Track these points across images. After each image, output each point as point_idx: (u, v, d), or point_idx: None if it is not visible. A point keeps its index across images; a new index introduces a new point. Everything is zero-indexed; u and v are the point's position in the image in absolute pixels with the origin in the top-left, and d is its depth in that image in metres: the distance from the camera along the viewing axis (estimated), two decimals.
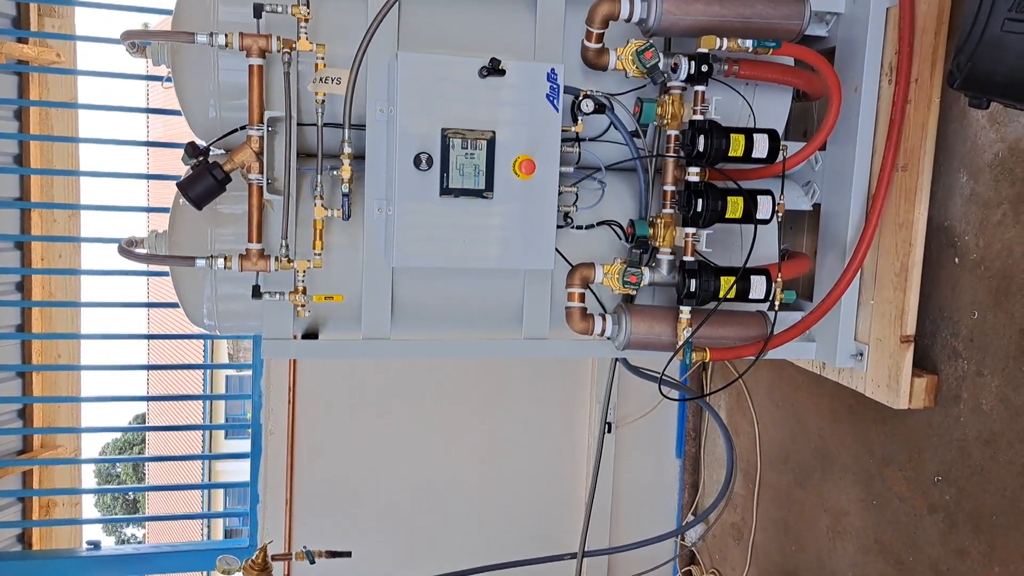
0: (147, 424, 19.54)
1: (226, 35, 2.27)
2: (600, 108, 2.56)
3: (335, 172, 2.43)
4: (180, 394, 16.67)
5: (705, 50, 2.47)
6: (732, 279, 2.50)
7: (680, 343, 2.55)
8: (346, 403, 4.20)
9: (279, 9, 2.30)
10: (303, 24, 2.33)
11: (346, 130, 2.39)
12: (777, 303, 2.59)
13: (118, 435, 21.55)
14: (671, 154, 2.57)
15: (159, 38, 2.40)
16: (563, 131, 2.51)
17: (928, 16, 2.52)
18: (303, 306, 2.45)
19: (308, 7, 2.32)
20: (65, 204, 4.43)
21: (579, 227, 2.69)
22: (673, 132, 2.56)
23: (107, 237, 3.89)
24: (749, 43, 2.47)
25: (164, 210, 3.08)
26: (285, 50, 2.32)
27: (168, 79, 2.56)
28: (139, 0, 4.07)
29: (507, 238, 2.49)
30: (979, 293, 2.49)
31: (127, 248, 2.44)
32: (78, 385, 4.74)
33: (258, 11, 2.29)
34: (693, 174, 2.52)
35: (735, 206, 2.50)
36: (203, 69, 2.46)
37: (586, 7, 2.50)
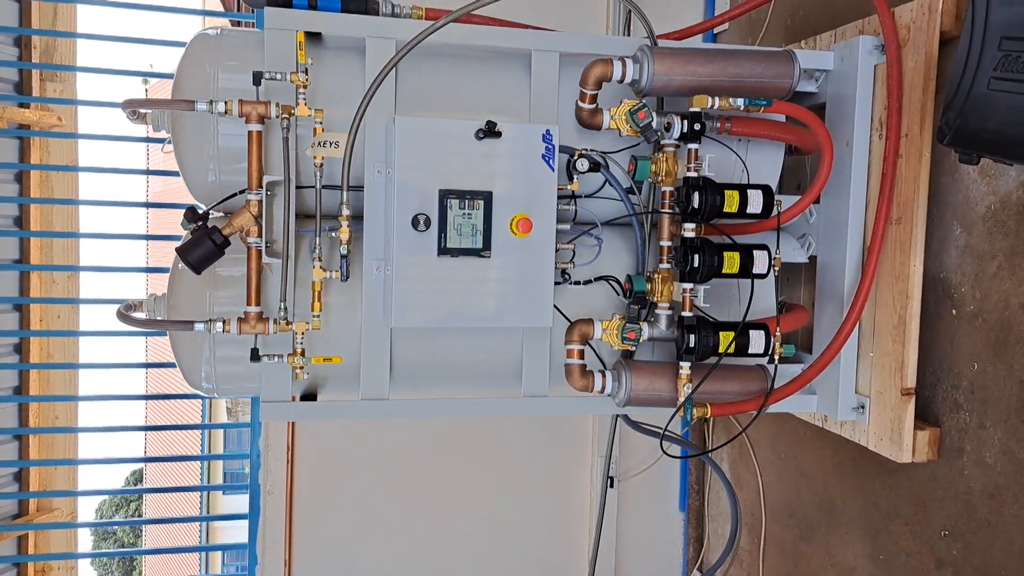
0: (144, 482, 19.30)
1: (226, 102, 2.30)
2: (595, 166, 2.59)
3: (333, 234, 2.45)
4: (178, 455, 16.48)
5: (697, 109, 2.51)
6: (731, 334, 2.50)
7: (680, 399, 2.54)
8: (346, 461, 4.16)
9: (278, 76, 2.34)
10: (301, 90, 2.36)
11: (344, 192, 2.41)
12: (777, 357, 2.59)
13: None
14: (666, 210, 2.60)
15: (160, 106, 2.43)
16: (559, 189, 2.54)
17: (915, 72, 2.56)
18: (301, 368, 2.45)
19: (307, 74, 2.36)
20: (64, 266, 4.45)
21: (577, 283, 2.70)
22: (668, 188, 2.59)
23: (106, 298, 3.90)
24: (740, 102, 2.51)
25: (163, 270, 3.09)
26: (284, 116, 2.35)
27: (167, 140, 2.60)
28: (139, 64, 4.14)
29: (505, 296, 2.49)
30: (978, 345, 2.49)
31: (125, 313, 2.44)
32: (75, 447, 4.70)
33: (257, 79, 2.33)
34: (689, 230, 2.53)
35: (731, 261, 2.51)
36: (203, 135, 2.49)
37: (579, 69, 2.55)
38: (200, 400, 14.53)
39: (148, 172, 5.27)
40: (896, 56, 2.59)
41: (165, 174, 4.03)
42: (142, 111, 2.49)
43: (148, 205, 4.92)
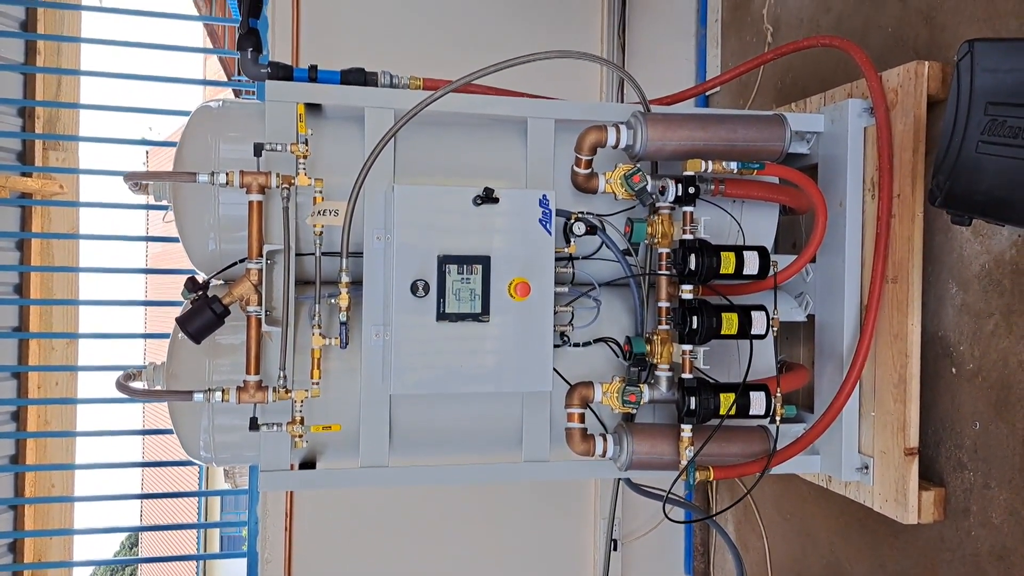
0: (139, 546, 18.97)
1: (227, 174, 2.33)
2: (592, 230, 2.61)
3: (333, 300, 2.46)
4: (174, 523, 16.27)
5: (691, 173, 2.54)
6: (732, 396, 2.50)
7: (683, 462, 2.52)
8: (345, 526, 4.10)
9: (278, 148, 2.37)
10: (302, 161, 2.40)
11: (344, 259, 2.43)
12: (778, 418, 2.58)
13: (108, 555, 20.90)
14: (664, 271, 2.61)
15: (162, 179, 2.46)
16: (556, 252, 2.56)
17: (905, 135, 2.61)
18: (300, 436, 2.43)
19: (307, 145, 2.40)
20: (63, 333, 4.45)
21: (576, 345, 2.70)
22: (664, 250, 2.60)
23: (103, 365, 3.90)
24: (734, 165, 2.54)
25: (161, 336, 3.09)
26: (284, 186, 2.38)
27: (168, 207, 2.62)
28: (140, 125, 4.21)
29: (504, 361, 2.49)
30: (979, 404, 2.48)
31: (125, 384, 2.43)
32: (71, 515, 4.64)
33: (258, 150, 2.36)
34: (687, 292, 2.54)
35: (730, 323, 2.52)
36: (203, 204, 2.51)
37: (575, 134, 2.59)
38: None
39: (148, 239, 5.30)
40: (885, 119, 2.63)
41: (165, 240, 4.06)
42: (144, 182, 2.52)
43: (147, 271, 4.94)
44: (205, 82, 6.48)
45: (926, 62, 2.58)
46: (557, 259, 2.57)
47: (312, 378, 2.43)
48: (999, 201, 1.94)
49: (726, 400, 2.49)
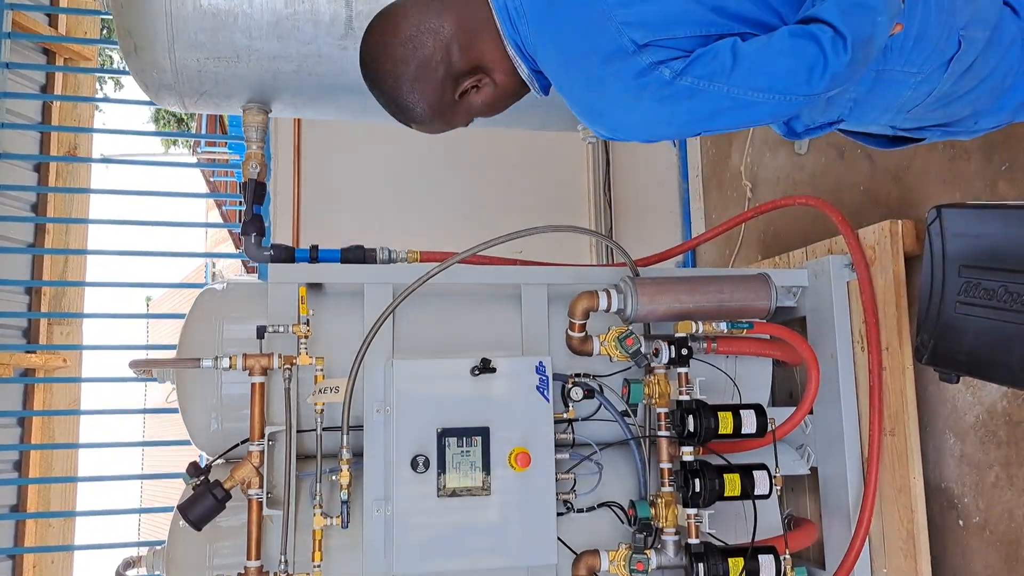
0: None
1: (230, 358, 2.39)
2: (589, 393, 2.65)
3: (335, 477, 2.46)
4: None
5: (683, 335, 2.60)
6: (741, 561, 2.45)
7: None
8: None
9: (280, 329, 2.44)
10: (303, 340, 2.46)
11: (345, 436, 2.45)
12: None
13: None
14: (663, 432, 2.62)
15: (166, 366, 2.52)
16: (555, 416, 2.58)
17: (886, 290, 2.69)
18: None
19: (308, 325, 2.47)
20: (60, 512, 4.38)
21: (580, 511, 2.68)
22: (663, 410, 2.62)
23: (100, 543, 3.83)
24: (723, 325, 2.60)
25: (157, 510, 3.04)
26: (286, 367, 2.43)
27: (169, 380, 2.66)
28: (144, 293, 4.28)
29: (508, 535, 2.47)
30: (990, 558, 2.45)
31: (124, 574, 2.40)
32: None
33: (261, 333, 2.43)
34: (687, 454, 2.55)
35: (732, 484, 2.50)
36: (206, 386, 2.56)
37: (567, 302, 2.67)
38: None
39: (147, 411, 5.31)
40: (866, 276, 2.73)
41: (164, 412, 4.07)
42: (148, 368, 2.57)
43: (145, 444, 4.94)
44: (208, 255, 6.68)
45: (899, 221, 2.70)
46: (556, 423, 2.60)
47: (314, 560, 2.40)
48: (982, 360, 1.98)
49: (735, 566, 2.44)
